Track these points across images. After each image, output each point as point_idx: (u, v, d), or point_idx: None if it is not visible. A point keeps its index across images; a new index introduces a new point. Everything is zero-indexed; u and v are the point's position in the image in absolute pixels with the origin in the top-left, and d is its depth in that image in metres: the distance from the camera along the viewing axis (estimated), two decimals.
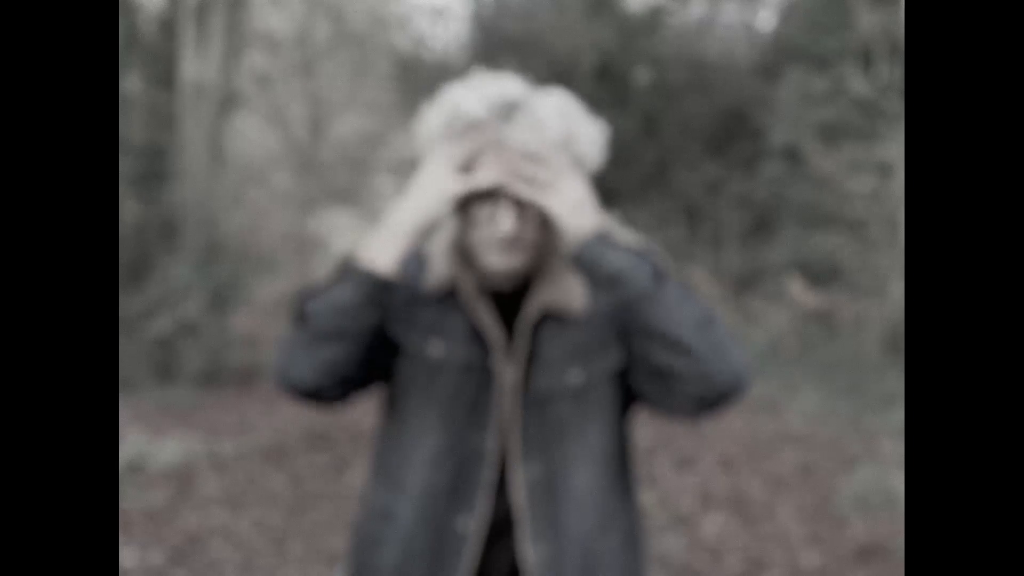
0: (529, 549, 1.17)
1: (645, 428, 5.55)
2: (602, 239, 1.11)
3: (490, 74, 1.20)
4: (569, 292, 1.20)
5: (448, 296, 1.21)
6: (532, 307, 1.19)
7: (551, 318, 1.20)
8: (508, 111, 1.12)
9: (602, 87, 10.00)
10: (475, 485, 1.18)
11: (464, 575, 1.17)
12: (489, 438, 1.18)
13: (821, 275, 7.63)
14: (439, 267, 1.21)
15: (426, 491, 1.20)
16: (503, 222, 1.12)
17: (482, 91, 1.14)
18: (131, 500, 3.92)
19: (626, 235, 1.16)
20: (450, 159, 1.13)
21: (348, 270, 1.13)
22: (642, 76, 10.31)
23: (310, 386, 1.16)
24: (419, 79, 11.13)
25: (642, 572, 1.30)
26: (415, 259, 1.24)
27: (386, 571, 1.21)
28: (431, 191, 1.13)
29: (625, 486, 1.29)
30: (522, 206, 1.13)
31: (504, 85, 1.15)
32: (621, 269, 1.09)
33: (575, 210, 1.12)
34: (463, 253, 1.21)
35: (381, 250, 1.12)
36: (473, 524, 1.18)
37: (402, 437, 1.24)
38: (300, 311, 1.14)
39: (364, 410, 6.24)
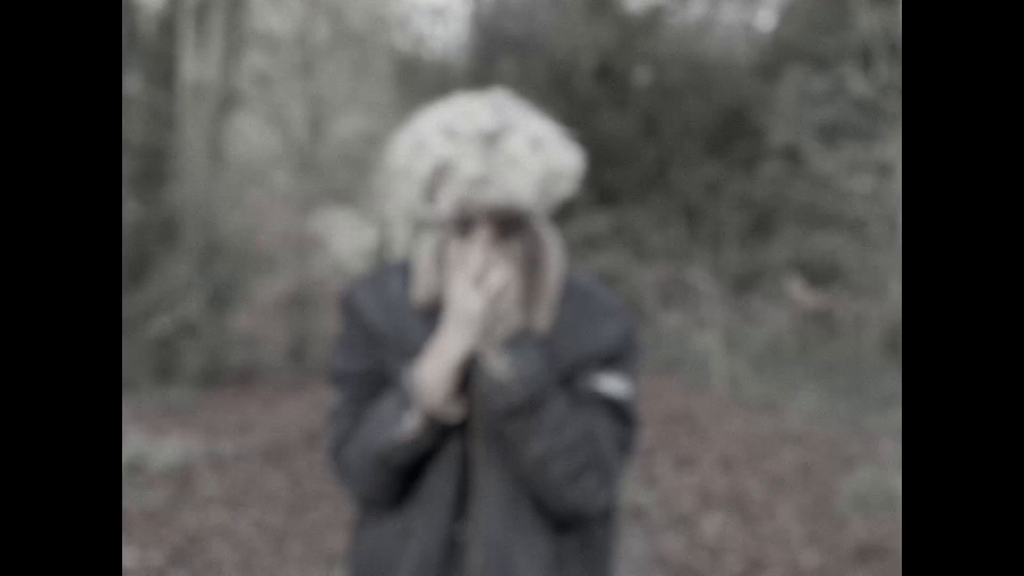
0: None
1: (645, 428, 5.57)
2: (513, 346, 1.10)
3: (470, 95, 1.13)
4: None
5: (435, 311, 1.18)
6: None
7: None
8: (485, 144, 1.05)
9: (602, 87, 10.00)
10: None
11: None
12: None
13: (821, 275, 7.63)
14: (425, 281, 1.18)
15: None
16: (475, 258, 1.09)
17: (457, 124, 1.06)
18: (131, 500, 3.92)
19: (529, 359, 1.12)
20: (466, 274, 1.09)
21: (413, 422, 1.12)
22: (642, 76, 10.31)
23: (372, 499, 1.21)
24: (419, 79, 11.14)
25: None
26: (399, 271, 1.23)
27: None
28: (463, 317, 1.09)
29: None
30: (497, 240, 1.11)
31: (479, 115, 1.07)
32: (495, 384, 1.09)
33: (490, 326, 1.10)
34: (442, 260, 1.18)
35: (438, 390, 1.10)
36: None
37: None
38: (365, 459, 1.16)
39: None
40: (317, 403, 6.53)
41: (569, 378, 1.16)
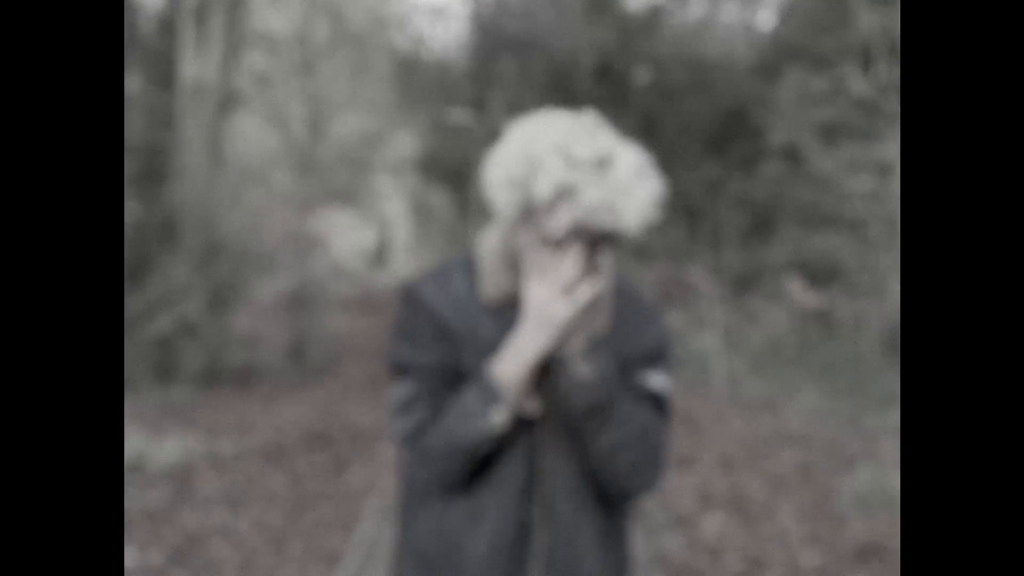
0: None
1: None
2: (591, 352, 1.19)
3: (564, 113, 1.19)
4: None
5: (505, 309, 1.25)
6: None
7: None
8: (600, 170, 1.12)
9: (602, 87, 10.00)
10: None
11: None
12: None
13: (821, 275, 7.63)
14: (495, 280, 1.25)
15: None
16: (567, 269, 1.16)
17: (573, 149, 1.12)
18: (131, 500, 3.92)
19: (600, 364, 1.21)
20: (553, 282, 1.16)
21: (494, 416, 1.19)
22: (642, 76, 10.32)
23: (449, 483, 1.26)
24: (419, 79, 11.14)
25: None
26: (462, 268, 1.29)
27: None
28: (546, 321, 1.16)
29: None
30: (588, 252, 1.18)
31: (593, 141, 1.14)
32: (578, 385, 1.19)
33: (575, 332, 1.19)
34: (512, 260, 1.24)
35: (518, 387, 1.18)
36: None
37: None
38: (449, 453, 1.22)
39: (363, 411, 6.24)
40: (317, 403, 6.53)
41: (622, 374, 1.25)
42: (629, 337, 1.27)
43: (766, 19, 11.07)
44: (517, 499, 1.23)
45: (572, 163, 1.11)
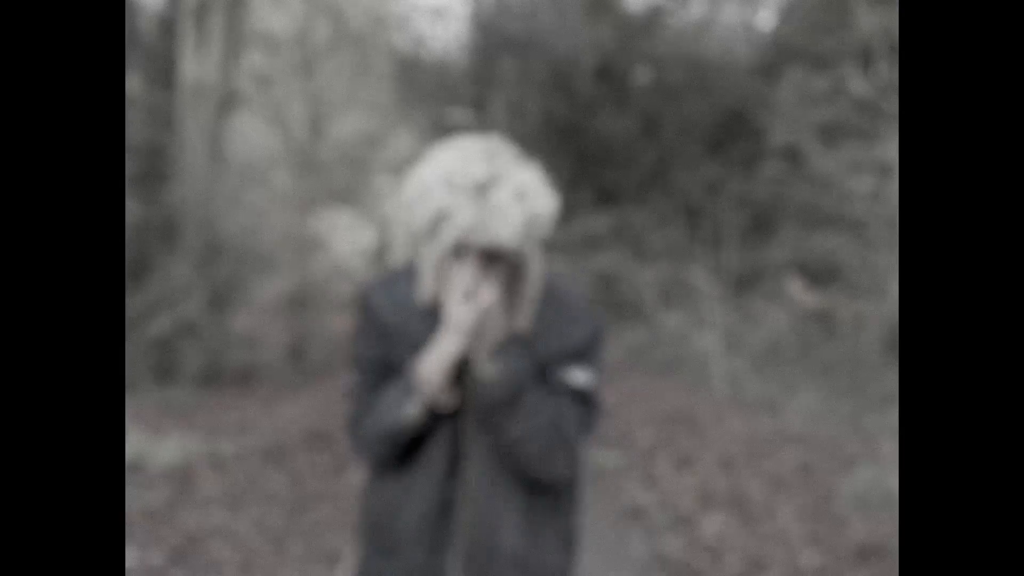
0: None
1: (645, 428, 5.57)
2: (501, 352, 1.36)
3: (469, 140, 1.35)
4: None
5: (435, 311, 1.41)
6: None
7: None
8: (477, 195, 1.28)
9: (602, 87, 9.99)
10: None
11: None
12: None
13: (821, 275, 7.62)
14: (427, 285, 1.40)
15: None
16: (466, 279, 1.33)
17: (455, 176, 1.29)
18: (131, 500, 3.92)
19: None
20: (456, 291, 1.32)
21: (415, 407, 1.37)
22: (642, 76, 10.31)
23: (381, 464, 1.48)
24: (419, 79, 11.13)
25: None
26: (407, 274, 1.48)
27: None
28: (453, 325, 1.33)
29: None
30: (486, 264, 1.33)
31: (473, 167, 1.29)
32: (484, 383, 1.35)
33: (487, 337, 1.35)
34: (443, 268, 1.38)
35: (433, 383, 1.35)
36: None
37: None
38: (369, 435, 1.44)
39: None
40: (317, 403, 6.53)
41: (543, 370, 1.42)
42: (551, 337, 1.42)
43: (766, 19, 11.07)
44: (442, 479, 1.41)
45: (451, 189, 1.28)
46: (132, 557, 3.35)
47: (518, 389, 1.34)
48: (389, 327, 1.44)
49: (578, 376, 1.42)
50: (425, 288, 1.40)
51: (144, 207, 6.99)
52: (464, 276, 1.32)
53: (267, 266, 8.14)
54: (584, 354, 1.43)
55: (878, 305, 6.58)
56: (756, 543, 3.68)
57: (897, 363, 5.84)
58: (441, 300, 1.39)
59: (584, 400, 1.43)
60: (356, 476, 4.59)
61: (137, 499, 3.97)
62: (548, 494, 1.45)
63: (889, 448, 4.69)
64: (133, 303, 6.37)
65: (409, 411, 1.36)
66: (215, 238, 7.25)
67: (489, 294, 1.31)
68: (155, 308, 6.62)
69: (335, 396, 6.83)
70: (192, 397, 6.40)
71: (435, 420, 1.40)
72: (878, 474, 4.25)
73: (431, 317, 1.41)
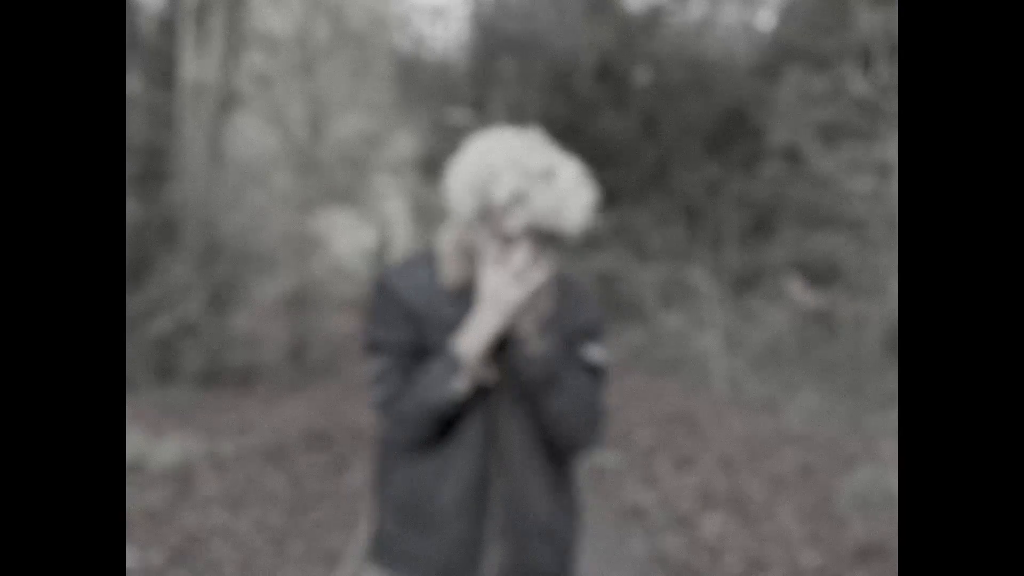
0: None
1: (645, 428, 5.57)
2: (543, 331, 1.42)
3: (513, 131, 1.41)
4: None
5: (463, 293, 1.46)
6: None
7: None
8: (548, 179, 1.33)
9: (602, 87, 10.00)
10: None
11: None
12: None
13: (821, 275, 7.63)
14: (452, 270, 1.47)
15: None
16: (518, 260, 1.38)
17: (525, 161, 1.34)
18: (131, 500, 3.92)
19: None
20: (507, 270, 1.37)
21: (455, 385, 1.41)
22: (642, 76, 10.31)
23: (418, 442, 1.49)
24: (419, 79, 11.14)
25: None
26: (424, 261, 1.52)
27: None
28: (500, 303, 1.38)
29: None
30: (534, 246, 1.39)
31: (540, 153, 1.35)
32: (532, 359, 1.41)
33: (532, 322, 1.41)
34: (468, 253, 1.45)
35: (477, 358, 1.40)
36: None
37: None
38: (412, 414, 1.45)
39: (363, 411, 6.21)
40: (317, 403, 6.53)
41: (567, 349, 1.48)
42: (569, 317, 1.50)
43: (766, 19, 11.07)
44: (478, 454, 1.46)
45: (525, 173, 1.33)
46: (132, 557, 3.35)
47: (559, 366, 1.42)
48: (417, 310, 1.47)
49: (594, 352, 1.51)
50: (451, 271, 1.47)
51: (144, 207, 6.99)
52: (516, 257, 1.37)
53: (267, 266, 8.15)
54: (596, 332, 1.52)
55: (878, 305, 6.58)
56: (756, 543, 3.68)
57: (897, 363, 5.85)
58: (469, 282, 1.46)
59: (598, 374, 1.52)
60: (356, 476, 4.59)
61: (137, 499, 3.97)
62: (568, 466, 1.54)
63: (889, 448, 4.69)
64: (133, 303, 6.37)
65: (456, 386, 1.40)
66: (215, 238, 7.25)
67: (540, 275, 1.38)
68: (155, 308, 6.62)
69: (335, 396, 6.84)
70: (192, 397, 6.40)
71: (473, 397, 1.45)
72: (878, 474, 4.25)
73: (460, 299, 1.46)
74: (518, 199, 1.33)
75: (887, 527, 3.73)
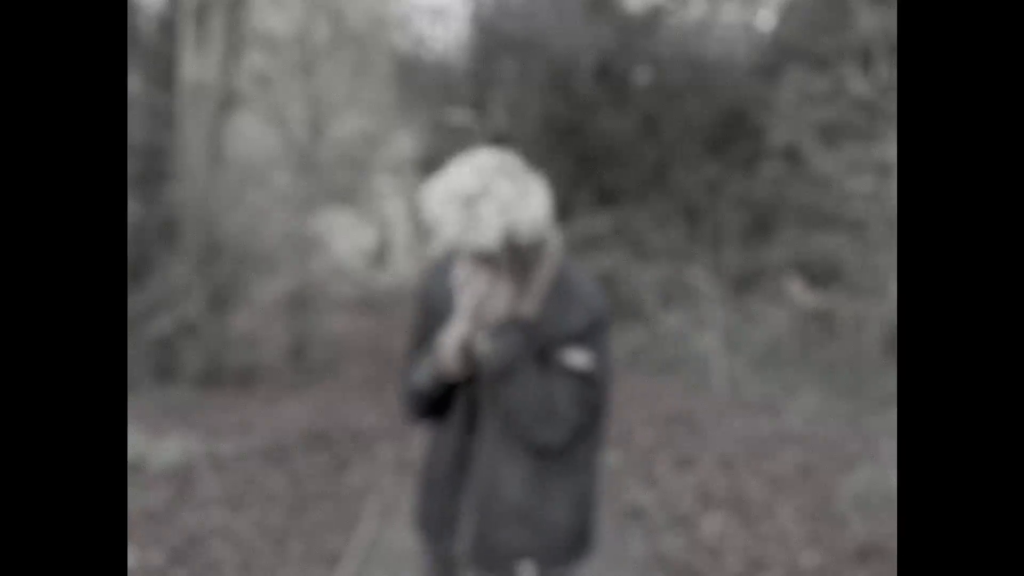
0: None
1: (645, 428, 5.57)
2: (496, 333, 1.58)
3: (476, 154, 1.55)
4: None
5: None
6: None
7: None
8: (463, 207, 1.47)
9: (602, 87, 10.00)
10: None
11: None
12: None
13: (821, 275, 7.63)
14: (463, 271, 1.62)
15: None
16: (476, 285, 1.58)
17: (448, 190, 1.49)
18: (131, 500, 3.92)
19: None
20: (470, 287, 1.57)
21: (434, 374, 1.66)
22: (642, 76, 10.31)
23: (420, 417, 1.77)
24: (419, 79, 11.14)
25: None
26: (444, 265, 1.74)
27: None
28: (459, 308, 1.60)
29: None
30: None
31: (464, 181, 1.49)
32: (481, 358, 1.59)
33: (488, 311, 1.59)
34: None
35: (447, 356, 1.62)
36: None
37: None
38: (409, 394, 1.75)
39: (362, 411, 6.22)
40: (317, 403, 6.53)
41: (545, 351, 1.60)
42: (553, 321, 1.61)
43: (766, 19, 11.07)
44: (461, 434, 1.70)
45: (443, 202, 1.49)
46: (132, 557, 3.35)
47: (511, 365, 1.57)
48: (437, 306, 1.73)
49: (576, 357, 1.60)
50: (459, 272, 1.66)
51: (144, 207, 6.99)
52: (461, 270, 1.58)
53: (267, 266, 8.15)
54: (583, 337, 1.60)
55: (878, 305, 6.58)
56: (756, 543, 3.68)
57: (897, 363, 5.84)
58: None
59: (584, 379, 1.60)
60: (356, 476, 4.59)
61: (137, 499, 3.97)
62: (559, 458, 1.65)
63: (889, 448, 4.69)
64: (134, 303, 6.38)
65: (424, 378, 1.67)
66: (215, 238, 7.25)
67: (479, 285, 1.56)
68: (155, 308, 6.62)
69: (335, 396, 6.84)
70: (192, 397, 6.41)
71: (457, 385, 1.68)
72: (878, 474, 4.25)
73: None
74: (437, 224, 1.50)
75: (887, 527, 3.73)
